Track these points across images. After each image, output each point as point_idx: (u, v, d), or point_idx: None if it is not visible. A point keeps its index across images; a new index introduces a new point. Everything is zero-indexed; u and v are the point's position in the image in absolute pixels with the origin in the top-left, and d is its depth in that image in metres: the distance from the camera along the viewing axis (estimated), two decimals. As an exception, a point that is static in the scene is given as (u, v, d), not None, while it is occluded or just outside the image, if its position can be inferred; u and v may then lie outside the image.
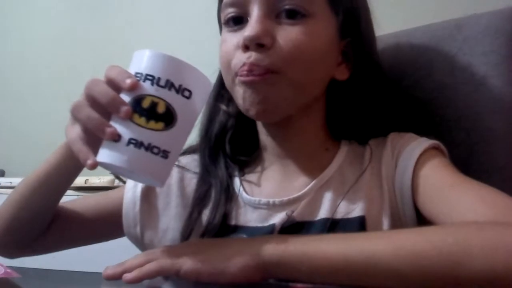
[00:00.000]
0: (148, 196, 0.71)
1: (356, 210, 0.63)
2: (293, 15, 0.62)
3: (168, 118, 0.50)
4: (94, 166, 0.50)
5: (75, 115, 0.53)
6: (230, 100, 0.70)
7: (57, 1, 2.02)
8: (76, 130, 0.53)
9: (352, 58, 0.68)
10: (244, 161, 0.72)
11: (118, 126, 0.50)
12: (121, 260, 0.55)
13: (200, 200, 0.68)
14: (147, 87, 0.50)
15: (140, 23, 1.86)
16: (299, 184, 0.67)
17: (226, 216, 0.66)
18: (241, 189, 0.68)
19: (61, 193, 0.69)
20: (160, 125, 0.50)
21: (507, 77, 0.70)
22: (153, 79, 0.50)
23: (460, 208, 0.55)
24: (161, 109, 0.50)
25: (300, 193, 0.65)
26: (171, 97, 0.50)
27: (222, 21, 0.67)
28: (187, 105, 0.51)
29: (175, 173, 0.72)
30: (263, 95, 0.62)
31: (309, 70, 0.64)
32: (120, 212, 0.71)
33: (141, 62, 0.52)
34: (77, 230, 0.74)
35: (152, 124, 0.50)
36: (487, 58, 0.70)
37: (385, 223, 0.62)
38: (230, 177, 0.70)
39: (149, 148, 0.50)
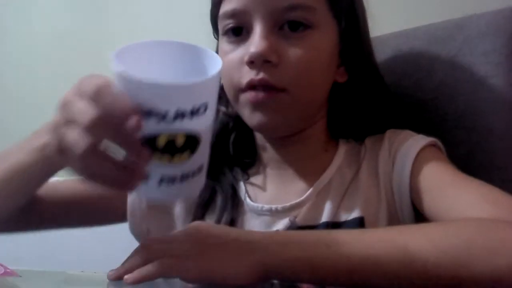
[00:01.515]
0: None
1: (355, 211, 0.63)
2: (297, 27, 0.61)
3: (192, 143, 0.43)
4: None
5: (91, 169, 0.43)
6: (228, 101, 0.70)
7: (57, 1, 2.02)
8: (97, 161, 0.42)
9: (350, 59, 0.67)
10: (246, 163, 0.71)
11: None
12: (122, 260, 0.55)
13: (203, 205, 0.68)
14: (153, 125, 0.40)
15: (140, 23, 1.86)
16: (300, 188, 0.66)
17: (231, 223, 0.66)
18: (246, 195, 0.68)
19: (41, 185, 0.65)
20: (186, 154, 0.43)
21: (507, 77, 0.70)
22: (158, 116, 0.39)
23: (460, 205, 0.55)
24: (180, 140, 0.42)
25: (302, 198, 0.65)
26: (186, 125, 0.41)
27: (221, 31, 0.66)
28: (206, 118, 0.43)
29: None
30: (270, 116, 0.62)
31: (316, 85, 0.64)
32: (109, 195, 0.69)
33: (135, 92, 0.39)
34: (60, 212, 0.72)
35: (177, 158, 0.42)
36: (487, 58, 0.70)
37: (383, 221, 0.62)
38: (236, 182, 0.70)
39: (183, 178, 0.44)
